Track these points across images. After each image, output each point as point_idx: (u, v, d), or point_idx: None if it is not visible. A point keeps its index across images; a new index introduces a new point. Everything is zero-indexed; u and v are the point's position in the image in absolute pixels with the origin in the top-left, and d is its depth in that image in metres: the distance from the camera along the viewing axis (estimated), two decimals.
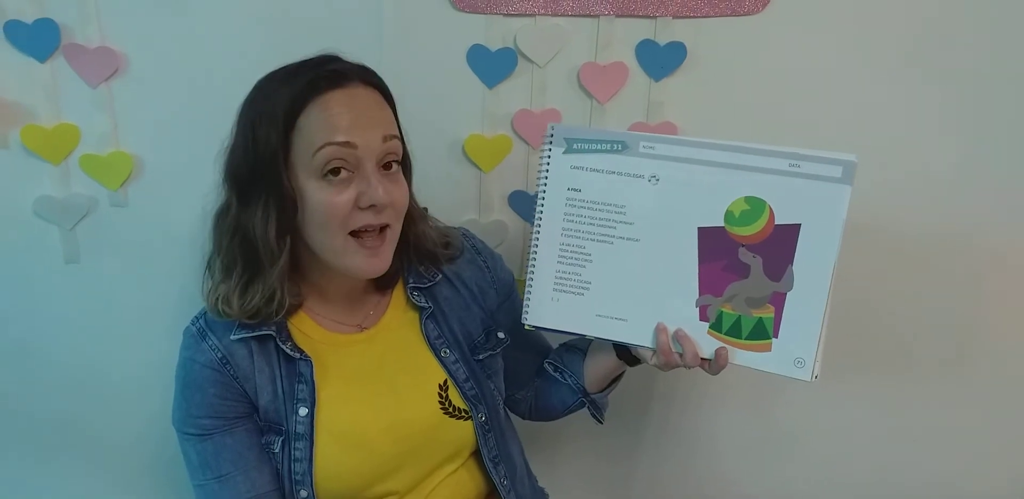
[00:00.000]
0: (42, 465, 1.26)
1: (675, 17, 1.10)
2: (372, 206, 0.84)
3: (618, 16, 1.10)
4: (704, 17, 1.11)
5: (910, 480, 1.38)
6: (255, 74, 0.91)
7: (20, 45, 1.04)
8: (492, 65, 1.11)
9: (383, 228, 0.87)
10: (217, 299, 0.88)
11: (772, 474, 1.39)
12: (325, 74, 0.83)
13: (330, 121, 0.82)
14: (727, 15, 1.11)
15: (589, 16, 1.10)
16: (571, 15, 1.10)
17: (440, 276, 0.99)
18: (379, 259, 0.87)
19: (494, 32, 1.10)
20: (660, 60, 1.12)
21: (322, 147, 0.81)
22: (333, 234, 0.85)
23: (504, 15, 1.09)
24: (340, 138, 0.81)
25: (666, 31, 1.11)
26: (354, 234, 0.86)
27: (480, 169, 1.17)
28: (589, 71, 1.12)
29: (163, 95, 1.09)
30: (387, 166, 0.86)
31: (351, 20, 1.08)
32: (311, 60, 0.86)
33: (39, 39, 1.04)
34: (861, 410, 1.33)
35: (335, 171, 0.82)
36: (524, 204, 1.20)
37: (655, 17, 1.11)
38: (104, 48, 1.05)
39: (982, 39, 1.14)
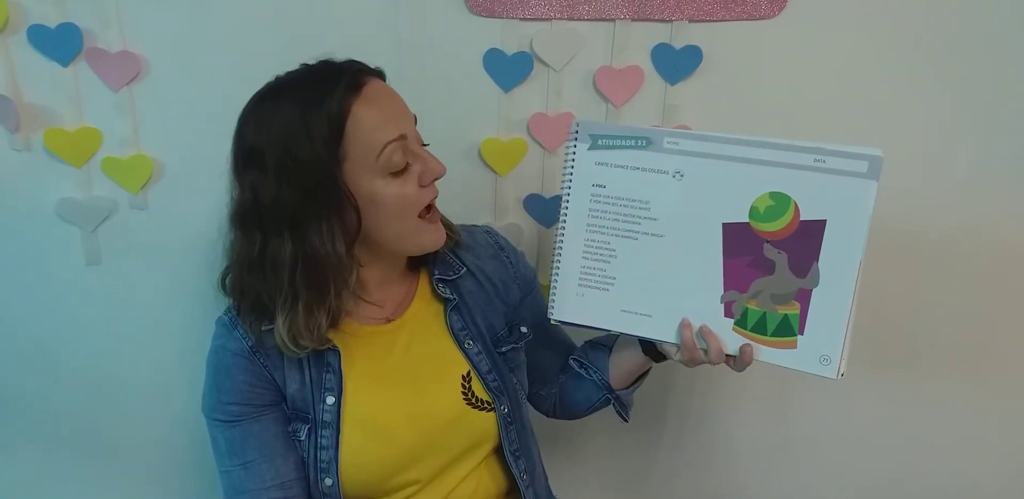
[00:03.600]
0: (59, 465, 1.27)
1: (691, 21, 1.11)
2: (434, 180, 0.89)
3: (634, 20, 1.11)
4: (720, 21, 1.11)
5: (925, 483, 1.38)
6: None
7: (43, 49, 1.05)
8: (508, 69, 1.12)
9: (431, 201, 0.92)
10: (285, 334, 0.86)
11: (789, 476, 1.39)
12: (348, 81, 0.84)
13: (377, 120, 0.84)
14: (743, 19, 1.11)
15: (605, 20, 1.11)
16: (587, 19, 1.10)
17: (464, 269, 1.00)
18: (441, 228, 0.93)
19: (510, 36, 1.11)
20: (676, 64, 1.12)
21: (384, 147, 0.84)
22: (407, 220, 0.88)
23: (520, 19, 1.10)
24: (394, 133, 0.85)
25: (682, 35, 1.11)
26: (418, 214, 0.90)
27: (496, 172, 1.18)
28: (605, 75, 1.13)
29: (183, 99, 1.10)
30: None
31: (368, 25, 1.08)
32: (309, 74, 0.86)
33: (62, 43, 1.05)
34: (877, 411, 1.33)
35: (397, 163, 0.85)
36: (539, 207, 1.20)
37: (671, 21, 1.11)
38: (125, 52, 1.07)
39: (998, 43, 1.13)
